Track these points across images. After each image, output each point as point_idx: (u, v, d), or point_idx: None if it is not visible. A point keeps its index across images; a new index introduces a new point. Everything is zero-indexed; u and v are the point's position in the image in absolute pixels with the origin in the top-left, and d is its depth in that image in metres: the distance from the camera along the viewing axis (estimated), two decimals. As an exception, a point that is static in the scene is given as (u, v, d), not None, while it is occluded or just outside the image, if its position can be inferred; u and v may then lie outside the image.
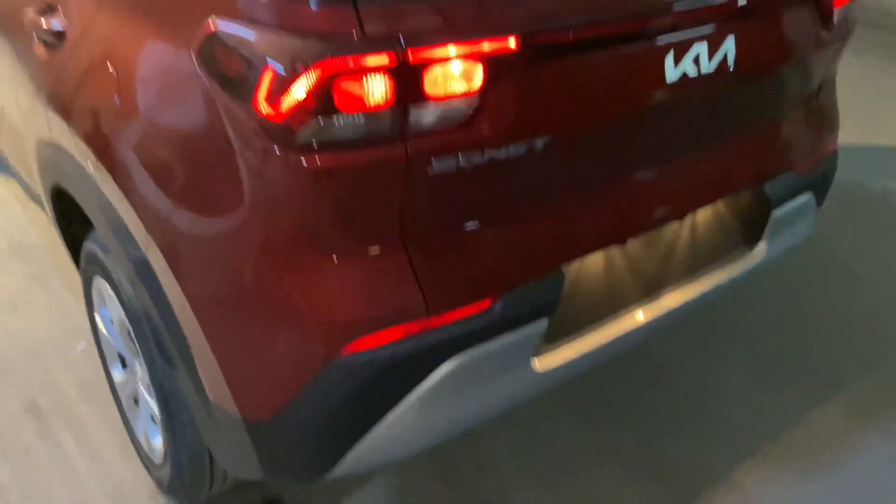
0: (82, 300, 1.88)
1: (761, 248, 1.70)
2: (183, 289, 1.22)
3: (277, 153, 1.04)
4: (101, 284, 1.66)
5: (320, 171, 1.05)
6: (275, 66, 1.01)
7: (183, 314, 1.25)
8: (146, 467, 1.81)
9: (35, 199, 2.24)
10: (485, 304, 1.23)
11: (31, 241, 2.90)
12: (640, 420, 2.05)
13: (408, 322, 1.16)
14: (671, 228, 1.58)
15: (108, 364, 1.88)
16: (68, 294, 2.57)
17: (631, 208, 1.40)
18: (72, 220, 1.72)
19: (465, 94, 1.08)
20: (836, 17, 1.59)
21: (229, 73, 1.08)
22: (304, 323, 1.13)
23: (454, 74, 1.06)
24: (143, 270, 1.30)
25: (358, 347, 1.14)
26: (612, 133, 1.31)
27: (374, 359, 1.15)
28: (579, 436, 2.00)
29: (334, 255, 1.12)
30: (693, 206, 1.53)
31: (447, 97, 1.07)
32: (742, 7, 1.38)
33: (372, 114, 1.03)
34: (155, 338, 1.37)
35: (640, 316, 1.52)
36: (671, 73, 1.29)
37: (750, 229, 1.70)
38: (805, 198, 1.73)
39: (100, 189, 1.38)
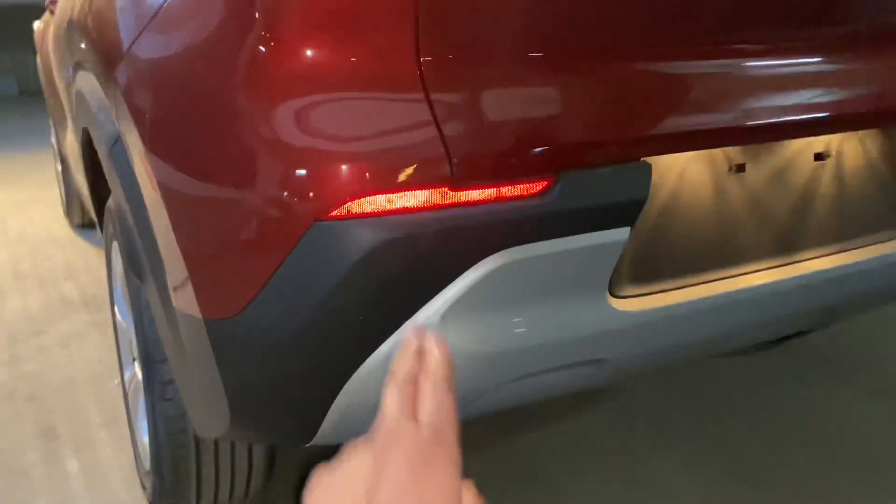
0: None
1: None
2: (149, 160, 0.96)
3: None
4: (115, 249, 1.44)
5: None
6: None
7: (151, 201, 0.98)
8: (142, 485, 1.48)
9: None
10: (539, 183, 0.89)
11: (104, 296, 2.81)
12: (771, 475, 1.53)
13: (426, 185, 0.84)
14: (806, 167, 1.18)
15: (123, 364, 1.63)
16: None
17: (751, 98, 1.03)
18: (98, 176, 1.53)
19: None
20: None
21: None
22: (275, 171, 0.82)
23: None
24: (117, 151, 1.06)
25: (352, 211, 0.82)
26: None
27: (377, 229, 0.82)
28: (680, 483, 1.51)
29: (316, 79, 0.82)
30: (834, 125, 1.14)
31: None
32: None
33: None
34: (129, 247, 1.11)
35: (775, 273, 1.11)
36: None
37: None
38: None
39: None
